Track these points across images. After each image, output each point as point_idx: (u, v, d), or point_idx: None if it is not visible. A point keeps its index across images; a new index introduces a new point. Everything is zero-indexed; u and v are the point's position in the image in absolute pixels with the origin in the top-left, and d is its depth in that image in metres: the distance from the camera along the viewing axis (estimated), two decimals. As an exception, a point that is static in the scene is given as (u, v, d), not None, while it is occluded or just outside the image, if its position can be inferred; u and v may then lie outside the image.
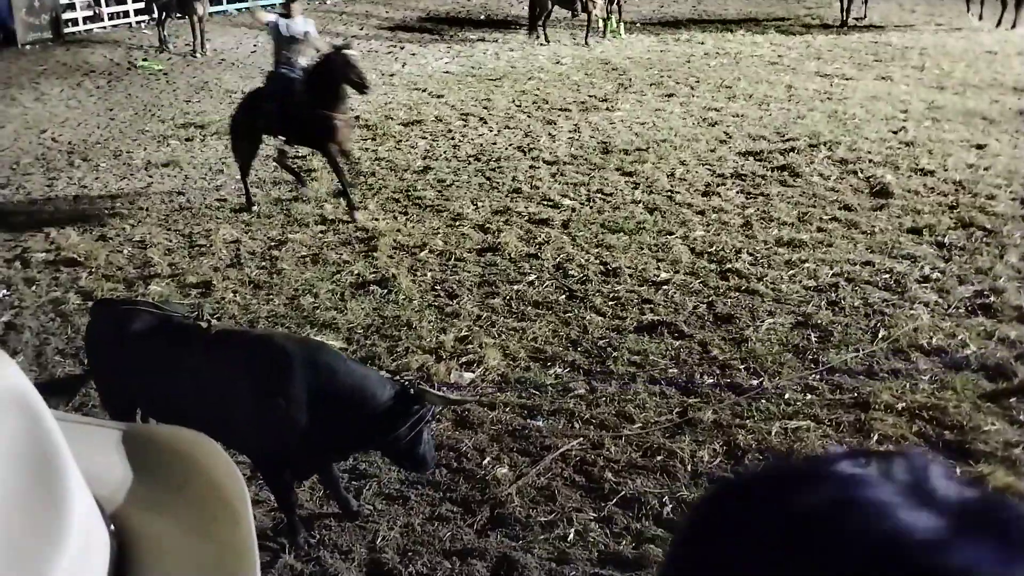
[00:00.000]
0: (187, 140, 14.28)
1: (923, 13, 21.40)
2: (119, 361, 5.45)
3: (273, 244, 10.03)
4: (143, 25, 23.53)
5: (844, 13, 20.98)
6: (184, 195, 11.81)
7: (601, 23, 21.07)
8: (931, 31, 20.11)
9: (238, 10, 26.00)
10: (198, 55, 20.49)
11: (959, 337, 7.39)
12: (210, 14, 21.58)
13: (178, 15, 20.85)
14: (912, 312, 7.88)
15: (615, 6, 21.02)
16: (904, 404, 6.53)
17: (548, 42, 20.58)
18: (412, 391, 5.06)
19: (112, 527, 1.10)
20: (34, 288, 9.19)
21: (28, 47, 21.60)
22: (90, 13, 23.60)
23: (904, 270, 8.67)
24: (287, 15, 11.26)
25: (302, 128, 10.57)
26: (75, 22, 23.23)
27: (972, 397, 6.59)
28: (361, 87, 10.31)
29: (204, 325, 5.29)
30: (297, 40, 11.09)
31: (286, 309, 8.51)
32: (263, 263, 9.56)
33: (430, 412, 5.16)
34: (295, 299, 8.70)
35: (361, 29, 23.51)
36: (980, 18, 20.40)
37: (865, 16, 21.49)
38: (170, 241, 10.25)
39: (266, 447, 5.16)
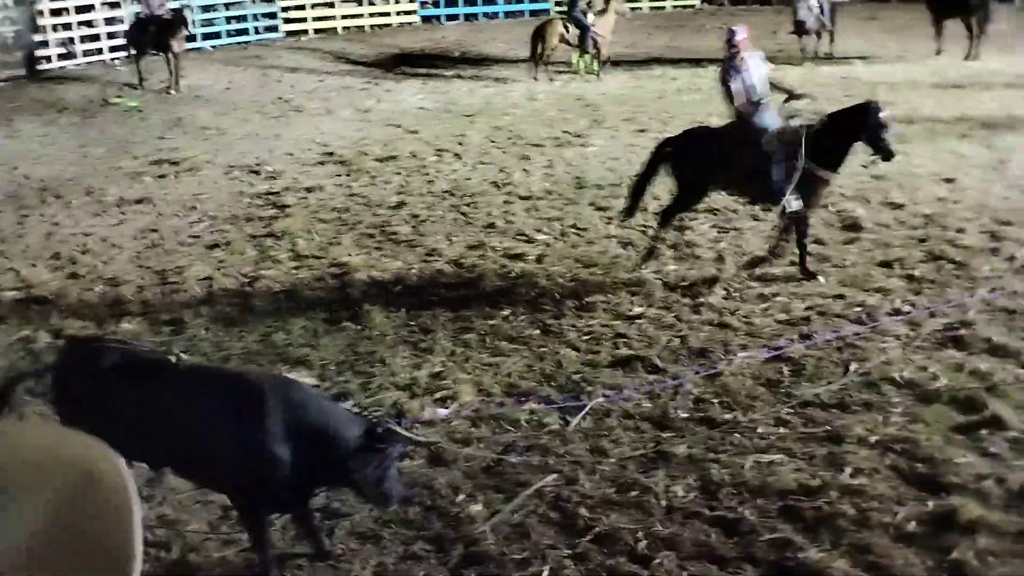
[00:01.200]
0: (160, 177, 14.23)
1: (894, 48, 21.65)
2: (88, 399, 5.39)
3: (246, 280, 10.00)
4: (117, 62, 23.51)
5: (807, 51, 21.20)
6: (156, 232, 11.77)
7: (578, 61, 21.23)
8: (901, 65, 20.35)
9: (213, 47, 26.06)
10: (173, 92, 20.48)
11: (930, 370, 7.44)
12: (186, 50, 21.57)
13: (153, 52, 20.84)
14: (883, 345, 7.93)
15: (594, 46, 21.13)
16: (877, 437, 6.55)
17: (552, 80, 20.60)
18: (380, 429, 5.04)
19: None
20: (4, 326, 9.11)
21: (2, 84, 21.52)
22: (64, 51, 23.56)
23: (875, 303, 8.74)
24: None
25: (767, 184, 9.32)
26: (48, 59, 23.18)
27: (943, 429, 6.63)
28: (888, 152, 9.28)
29: (175, 362, 5.26)
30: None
31: (259, 345, 8.47)
32: (236, 300, 9.52)
33: (396, 451, 5.14)
34: (268, 335, 8.66)
35: (335, 66, 23.58)
36: (938, 52, 20.64)
37: (832, 55, 21.73)
38: (142, 278, 10.20)
39: (241, 484, 5.12)
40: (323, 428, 5.00)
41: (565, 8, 21.03)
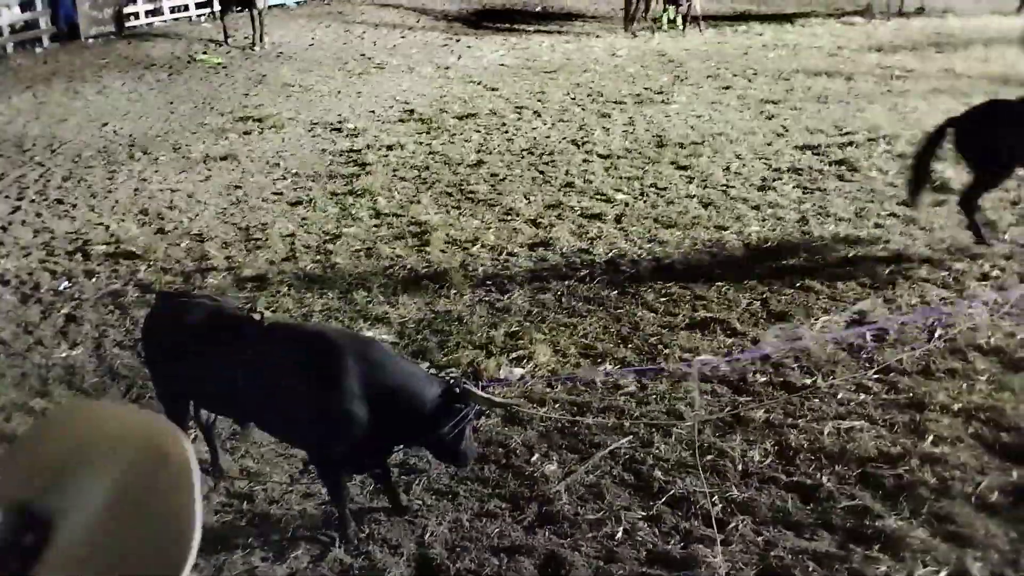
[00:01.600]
0: (245, 133, 14.44)
1: (985, 3, 20.94)
2: (174, 353, 5.53)
3: (328, 238, 10.12)
4: (203, 19, 23.83)
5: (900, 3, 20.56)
6: (241, 188, 11.96)
7: (663, 16, 20.92)
8: (996, 20, 19.66)
9: (297, 3, 26.24)
10: (256, 48, 20.70)
11: (1018, 337, 7.24)
12: (270, 7, 21.77)
13: (238, 8, 21.07)
14: (970, 310, 7.73)
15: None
16: (960, 405, 6.41)
17: (653, 34, 20.34)
18: (457, 390, 5.08)
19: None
20: (94, 280, 9.37)
21: (91, 41, 21.97)
22: (151, 7, 23.93)
23: (963, 267, 8.51)
24: None
25: None
26: (136, 16, 23.57)
27: (1031, 399, 6.46)
28: None
29: (257, 318, 5.36)
30: None
31: (339, 303, 8.59)
32: (318, 257, 9.65)
33: (473, 411, 5.19)
34: (348, 293, 8.77)
35: (417, 21, 23.59)
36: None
37: (924, 8, 21.08)
38: (227, 235, 10.39)
39: (318, 441, 5.22)
40: (400, 387, 5.05)
41: None
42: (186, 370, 5.50)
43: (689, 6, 20.31)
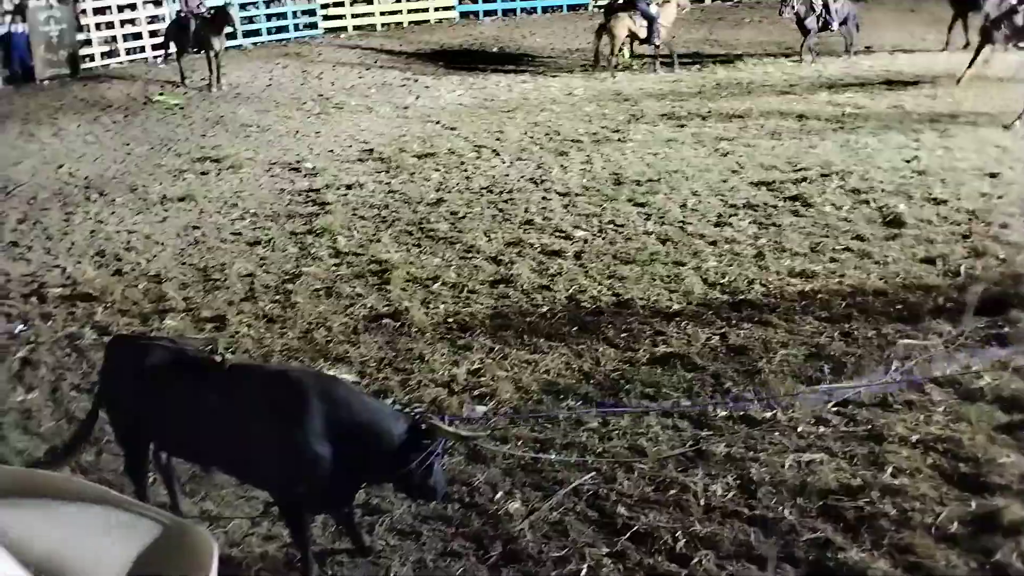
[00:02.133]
0: (202, 174, 14.38)
1: (934, 39, 21.36)
2: (134, 396, 5.47)
3: (287, 278, 10.09)
4: (159, 60, 23.76)
5: (848, 46, 20.89)
6: (199, 229, 11.90)
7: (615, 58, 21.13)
8: (943, 57, 20.08)
9: (254, 44, 26.27)
10: (214, 89, 20.67)
11: (974, 368, 7.35)
12: (226, 48, 21.77)
13: (194, 50, 21.05)
14: (926, 342, 7.85)
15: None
16: (918, 436, 6.50)
17: (614, 76, 20.48)
18: (424, 426, 5.07)
19: None
20: (50, 323, 9.25)
21: (46, 83, 21.82)
22: (107, 49, 23.85)
23: (917, 300, 8.65)
24: None
25: None
26: (92, 58, 23.47)
27: (987, 429, 6.55)
28: None
29: (219, 360, 5.32)
30: None
31: (300, 343, 8.55)
32: (277, 296, 9.61)
33: (440, 446, 5.17)
34: (309, 332, 8.74)
35: (375, 61, 23.68)
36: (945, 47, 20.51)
37: (872, 47, 21.44)
38: (185, 275, 10.32)
39: (283, 482, 5.17)
40: (366, 425, 5.03)
41: (623, 1, 20.69)
42: (145, 413, 5.45)
43: (657, 48, 20.50)
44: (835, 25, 20.18)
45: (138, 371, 5.41)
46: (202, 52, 20.82)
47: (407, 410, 5.42)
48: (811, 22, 20.05)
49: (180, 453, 5.84)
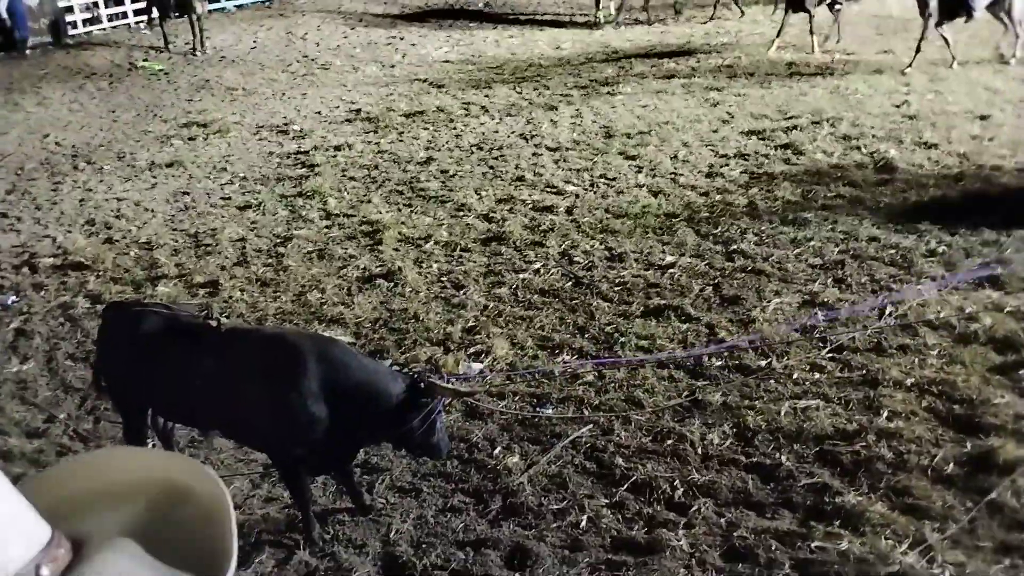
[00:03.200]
0: (190, 139, 14.29)
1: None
2: (131, 363, 5.47)
3: (279, 241, 10.06)
4: (142, 25, 23.53)
5: None
6: (188, 195, 11.84)
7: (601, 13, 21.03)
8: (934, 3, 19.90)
9: (237, 7, 26.00)
10: (198, 53, 20.49)
11: (967, 311, 7.38)
12: (209, 11, 21.56)
13: (176, 14, 20.85)
14: (919, 286, 7.86)
15: None
16: (913, 380, 6.53)
17: (618, 27, 20.41)
18: (422, 384, 5.08)
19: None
20: (42, 293, 9.23)
21: (29, 52, 21.59)
22: (89, 15, 23.61)
23: (910, 245, 8.65)
24: None
25: None
26: (74, 25, 23.23)
27: (981, 370, 6.58)
28: None
29: (215, 324, 5.31)
30: None
31: (293, 306, 8.54)
32: (269, 260, 9.58)
33: (440, 403, 5.19)
34: (302, 295, 8.72)
35: (360, 21, 23.48)
36: None
37: None
38: (176, 241, 10.28)
39: (281, 444, 5.18)
40: (364, 385, 5.04)
41: None
42: (143, 379, 5.44)
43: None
44: None
45: (134, 337, 5.39)
46: (184, 16, 20.63)
47: (405, 369, 5.42)
48: None
49: (179, 418, 5.85)
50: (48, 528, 1.41)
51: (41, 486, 1.61)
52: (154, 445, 6.04)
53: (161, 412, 5.80)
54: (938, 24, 14.35)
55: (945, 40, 14.41)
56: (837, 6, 16.78)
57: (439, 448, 5.34)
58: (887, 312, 7.48)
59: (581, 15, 21.76)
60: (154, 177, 12.61)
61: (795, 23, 16.76)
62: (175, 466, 1.67)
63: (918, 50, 14.55)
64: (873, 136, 11.66)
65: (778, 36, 16.81)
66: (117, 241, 10.40)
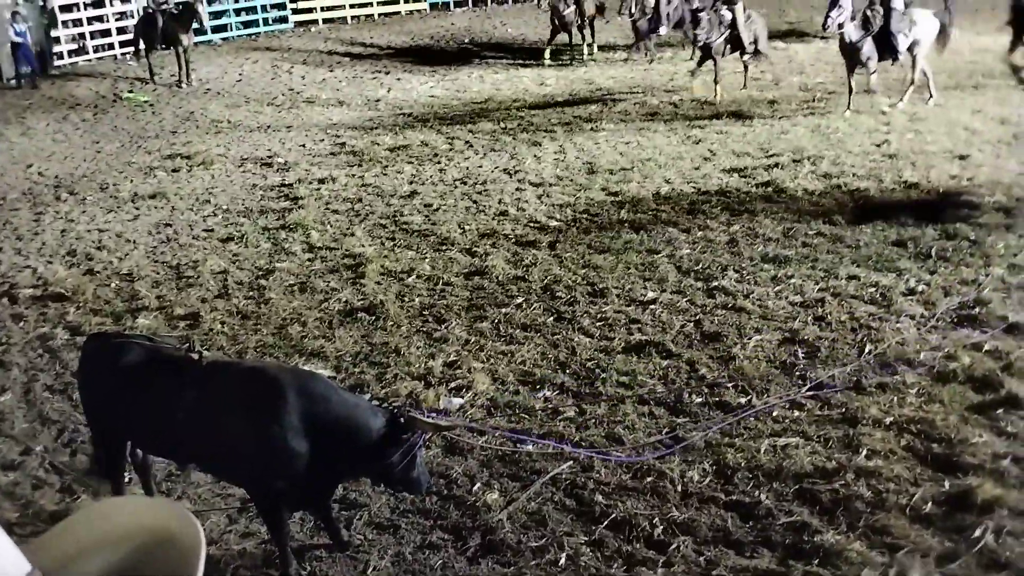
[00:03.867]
0: (173, 171, 14.30)
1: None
2: (111, 395, 5.43)
3: (261, 273, 10.04)
4: (128, 57, 23.57)
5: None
6: (171, 226, 11.82)
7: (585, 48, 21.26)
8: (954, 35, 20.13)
9: (223, 39, 26.10)
10: (183, 85, 20.53)
11: (945, 349, 7.41)
12: (195, 44, 21.62)
13: (162, 46, 20.91)
14: (898, 325, 7.91)
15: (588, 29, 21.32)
16: (892, 418, 6.55)
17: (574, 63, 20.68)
18: (402, 419, 5.06)
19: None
20: (22, 324, 9.17)
21: (13, 82, 21.59)
22: (75, 46, 23.64)
23: (889, 283, 8.70)
24: None
25: None
26: (60, 55, 23.26)
27: (959, 409, 6.61)
28: None
29: (196, 357, 5.28)
30: None
31: (274, 339, 8.51)
32: (251, 293, 9.56)
33: (421, 439, 5.16)
34: (283, 328, 8.70)
35: (345, 55, 23.59)
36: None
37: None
38: (157, 273, 10.25)
39: (260, 478, 5.15)
40: (344, 420, 5.02)
41: None
42: (123, 412, 5.41)
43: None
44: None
45: (114, 369, 5.37)
46: (171, 48, 20.70)
47: (385, 404, 5.40)
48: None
49: (157, 451, 5.81)
50: (27, 565, 1.50)
51: (44, 544, 1.77)
52: (131, 479, 6.00)
53: (140, 444, 5.76)
54: (859, 65, 14.61)
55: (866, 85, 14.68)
56: (746, 57, 16.96)
57: (419, 483, 5.31)
58: (866, 350, 7.51)
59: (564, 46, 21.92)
60: (137, 208, 12.59)
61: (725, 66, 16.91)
62: (158, 512, 1.85)
63: (850, 91, 14.77)
64: (854, 174, 11.76)
65: (693, 76, 17.13)
66: (98, 272, 10.37)
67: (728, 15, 16.35)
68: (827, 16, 14.23)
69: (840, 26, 14.24)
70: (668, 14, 18.55)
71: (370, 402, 5.49)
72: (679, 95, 16.93)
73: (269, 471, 5.05)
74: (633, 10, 20.11)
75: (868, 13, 14.36)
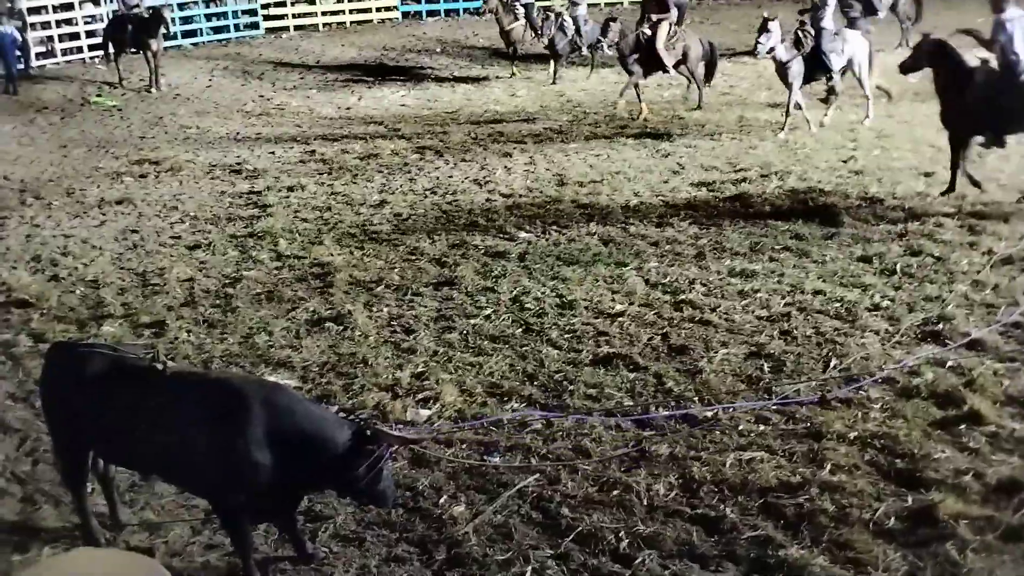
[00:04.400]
0: (141, 177, 14.20)
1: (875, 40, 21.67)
2: (74, 405, 5.38)
3: (228, 282, 9.98)
4: (97, 60, 23.38)
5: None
6: (137, 233, 11.73)
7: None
8: (879, 62, 20.35)
9: (193, 45, 25.95)
10: (153, 90, 20.40)
11: (910, 365, 7.48)
12: (164, 48, 21.48)
13: (132, 50, 20.77)
14: (863, 340, 7.98)
15: None
16: (856, 433, 6.60)
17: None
18: (368, 431, 5.04)
19: None
20: (-16, 330, 9.07)
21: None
22: (43, 49, 23.41)
23: (855, 299, 8.78)
24: None
25: None
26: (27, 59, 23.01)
27: (923, 425, 6.67)
28: None
29: (160, 367, 5.24)
30: None
31: (240, 348, 8.45)
32: (217, 301, 9.50)
33: (388, 451, 5.13)
34: (249, 337, 8.64)
35: (316, 63, 23.53)
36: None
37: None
38: (123, 280, 10.16)
39: (224, 490, 5.11)
40: (309, 432, 4.98)
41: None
42: (86, 422, 5.35)
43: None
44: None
45: (78, 378, 5.32)
46: (140, 52, 20.56)
47: (351, 416, 5.37)
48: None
49: (120, 461, 5.75)
50: None
51: None
52: (93, 489, 5.94)
53: (102, 455, 5.70)
54: (802, 85, 14.72)
55: (787, 105, 14.80)
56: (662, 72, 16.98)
57: (385, 496, 5.26)
58: (831, 365, 7.58)
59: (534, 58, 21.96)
60: (103, 214, 12.49)
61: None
62: (133, 568, 1.85)
63: (787, 114, 14.88)
64: (820, 190, 11.87)
65: (620, 95, 17.14)
66: (63, 279, 10.27)
67: (648, 32, 16.37)
68: (756, 42, 14.37)
69: (771, 50, 14.36)
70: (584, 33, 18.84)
71: (336, 414, 5.47)
72: (649, 107, 16.95)
73: (232, 483, 5.01)
74: (553, 30, 19.99)
75: (799, 33, 14.51)
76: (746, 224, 10.90)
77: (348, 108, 18.59)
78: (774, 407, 7.02)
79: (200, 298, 9.60)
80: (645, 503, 6.00)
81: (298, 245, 10.97)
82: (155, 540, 5.86)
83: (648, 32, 16.34)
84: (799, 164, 13.03)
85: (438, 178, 13.45)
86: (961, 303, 8.56)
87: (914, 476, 6.10)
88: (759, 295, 8.99)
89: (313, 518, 5.98)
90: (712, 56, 17.17)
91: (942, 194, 11.29)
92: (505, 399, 7.38)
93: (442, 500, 6.12)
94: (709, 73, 17.24)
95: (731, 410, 7.01)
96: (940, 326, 8.14)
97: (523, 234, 10.95)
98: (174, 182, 13.86)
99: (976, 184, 11.15)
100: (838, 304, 8.70)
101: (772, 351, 7.88)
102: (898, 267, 9.41)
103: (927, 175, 12.22)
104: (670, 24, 16.45)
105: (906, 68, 12.02)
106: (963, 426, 6.60)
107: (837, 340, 8.02)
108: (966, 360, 7.54)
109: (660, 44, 16.26)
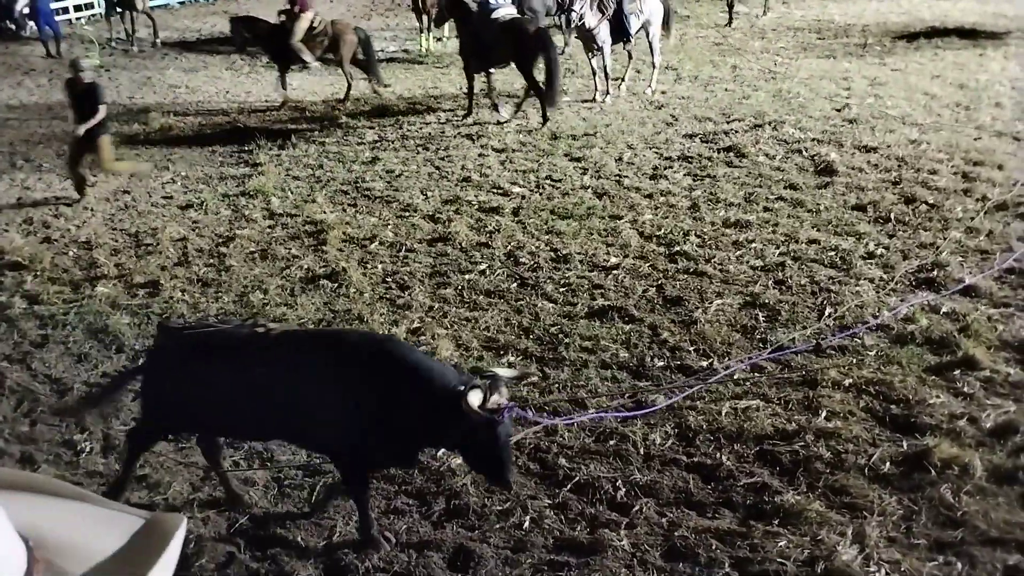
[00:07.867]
0: (130, 137, 14.09)
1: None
2: (182, 387, 5.27)
3: (221, 240, 9.95)
4: (83, 21, 23.13)
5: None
6: (129, 193, 11.67)
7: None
8: (873, 9, 20.28)
9: (180, 3, 25.69)
10: (157, 45, 20.27)
11: (903, 312, 7.51)
12: (151, 7, 21.26)
13: (119, 9, 20.57)
14: (857, 288, 7.99)
15: None
16: (851, 380, 6.63)
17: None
18: (485, 393, 4.68)
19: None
20: (-22, 293, 9.05)
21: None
22: (28, 11, 23.13)
23: (849, 247, 8.79)
24: None
25: None
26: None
27: (917, 371, 6.71)
28: None
29: (262, 331, 5.17)
30: None
31: (235, 306, 8.45)
32: (211, 260, 9.48)
33: (505, 416, 4.75)
34: (244, 295, 8.63)
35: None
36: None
37: None
38: (116, 241, 10.13)
39: (345, 443, 5.04)
40: (425, 383, 4.82)
41: None
42: (200, 401, 5.25)
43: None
44: None
45: (190, 360, 5.22)
46: (127, 11, 20.39)
47: (484, 375, 5.13)
48: None
49: (244, 434, 5.72)
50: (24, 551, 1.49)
51: None
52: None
53: (223, 432, 5.66)
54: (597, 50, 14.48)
55: (604, 69, 14.60)
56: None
57: (502, 464, 4.84)
58: (826, 313, 7.60)
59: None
60: (94, 175, 12.40)
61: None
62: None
63: (607, 76, 14.67)
64: (814, 139, 11.84)
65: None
66: (55, 240, 10.23)
67: None
68: (569, 11, 14.07)
69: (581, 17, 14.10)
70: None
71: (456, 369, 5.32)
72: (643, 59, 16.83)
73: (354, 436, 4.95)
74: None
75: None
76: (740, 174, 10.88)
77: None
78: (769, 355, 7.06)
79: (194, 257, 9.57)
80: (642, 452, 6.03)
81: (290, 203, 10.93)
82: (155, 497, 5.89)
83: None
84: (793, 113, 12.98)
85: (430, 134, 13.38)
86: (955, 250, 8.57)
87: (909, 421, 6.14)
88: (753, 245, 8.99)
89: (312, 472, 6.01)
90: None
91: None
92: (501, 353, 7.40)
93: (440, 452, 6.14)
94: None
95: (726, 359, 7.03)
96: (934, 273, 8.16)
97: (516, 188, 10.91)
98: (164, 141, 13.76)
99: None
100: (832, 253, 8.71)
101: (767, 300, 7.90)
102: (892, 215, 9.40)
103: (920, 124, 12.17)
104: None
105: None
106: (957, 371, 6.65)
107: (832, 288, 8.04)
108: (960, 306, 7.57)
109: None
